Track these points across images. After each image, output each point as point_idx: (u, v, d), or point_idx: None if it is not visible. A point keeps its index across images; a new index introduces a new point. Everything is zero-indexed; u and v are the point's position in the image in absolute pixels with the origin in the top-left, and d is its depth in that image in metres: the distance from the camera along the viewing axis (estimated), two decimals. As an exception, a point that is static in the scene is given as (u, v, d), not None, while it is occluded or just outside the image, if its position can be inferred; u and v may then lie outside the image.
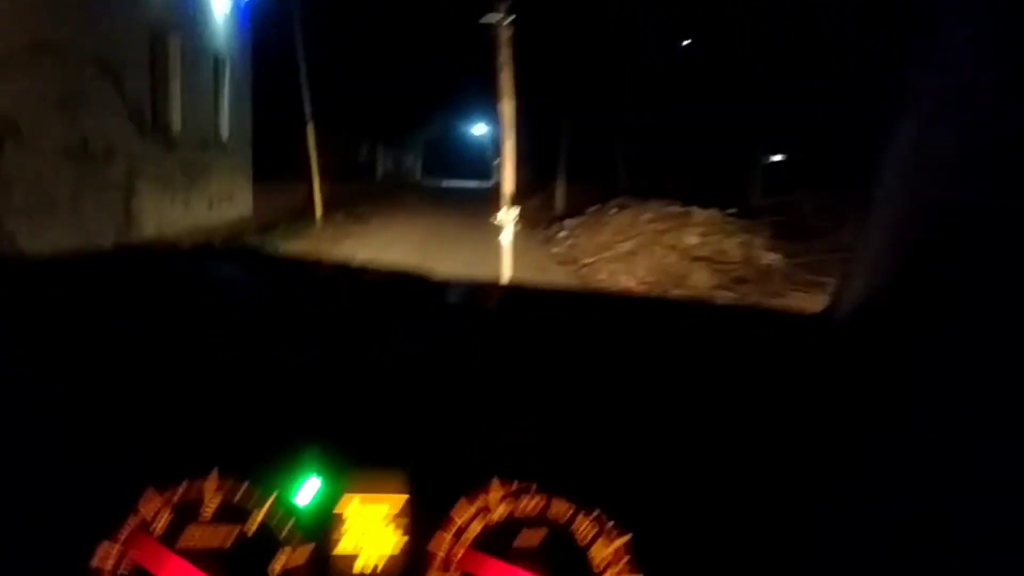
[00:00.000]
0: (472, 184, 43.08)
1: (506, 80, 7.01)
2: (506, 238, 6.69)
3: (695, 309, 1.39)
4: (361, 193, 19.11)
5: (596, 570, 0.88)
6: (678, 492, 0.89)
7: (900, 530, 0.77)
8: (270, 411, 0.90)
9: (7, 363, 0.90)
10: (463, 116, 45.01)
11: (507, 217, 6.61)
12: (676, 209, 11.15)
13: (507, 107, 7.01)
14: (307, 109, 14.21)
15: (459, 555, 0.89)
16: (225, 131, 13.22)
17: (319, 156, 15.22)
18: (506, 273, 6.58)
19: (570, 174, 17.74)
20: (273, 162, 16.18)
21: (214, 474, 0.87)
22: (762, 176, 15.06)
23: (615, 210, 13.17)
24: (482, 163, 47.95)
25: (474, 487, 0.90)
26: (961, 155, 0.74)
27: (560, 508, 0.89)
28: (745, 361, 0.98)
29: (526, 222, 9.20)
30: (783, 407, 0.91)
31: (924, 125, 0.80)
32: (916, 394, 0.79)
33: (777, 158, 15.30)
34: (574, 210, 14.95)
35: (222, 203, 13.03)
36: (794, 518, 0.85)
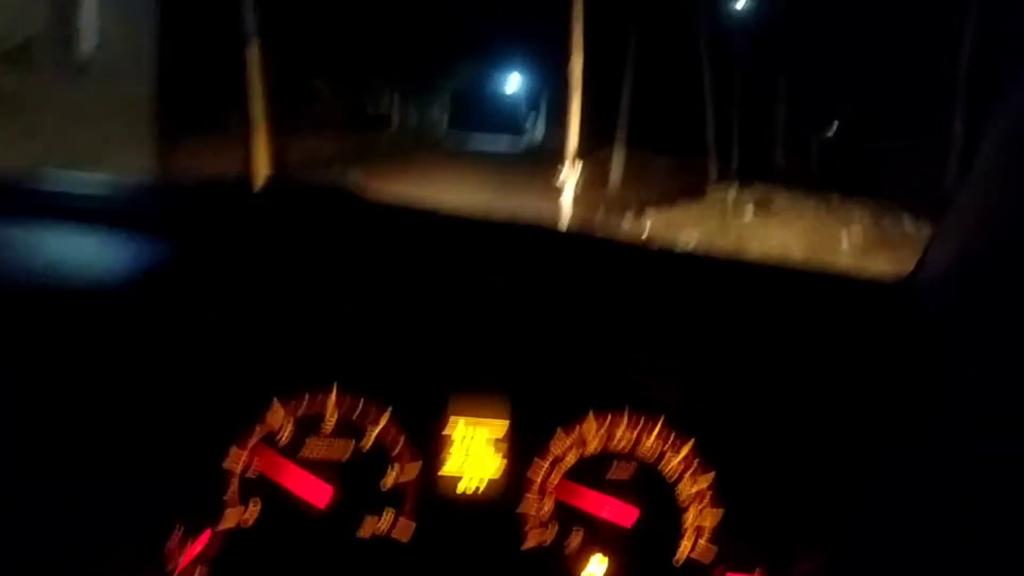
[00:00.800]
0: (503, 144, 36.54)
1: (577, 34, 6.92)
2: (567, 196, 6.72)
3: (780, 272, 1.37)
4: (356, 154, 15.47)
5: (681, 505, 0.95)
6: (760, 437, 0.95)
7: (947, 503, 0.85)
8: (386, 333, 0.96)
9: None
10: (496, 67, 39.79)
11: (569, 176, 6.63)
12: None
13: (576, 62, 6.93)
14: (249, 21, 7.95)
15: (555, 483, 0.95)
16: (91, 39, 7.03)
17: (301, 101, 12.89)
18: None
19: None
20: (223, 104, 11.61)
21: (334, 389, 0.93)
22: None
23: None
24: (516, 119, 42.90)
25: (571, 418, 0.95)
26: None
27: (650, 445, 0.95)
28: (826, 324, 1.02)
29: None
30: (859, 367, 0.96)
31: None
32: (981, 368, 0.84)
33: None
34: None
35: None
36: (858, 468, 0.92)
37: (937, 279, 0.93)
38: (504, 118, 43.29)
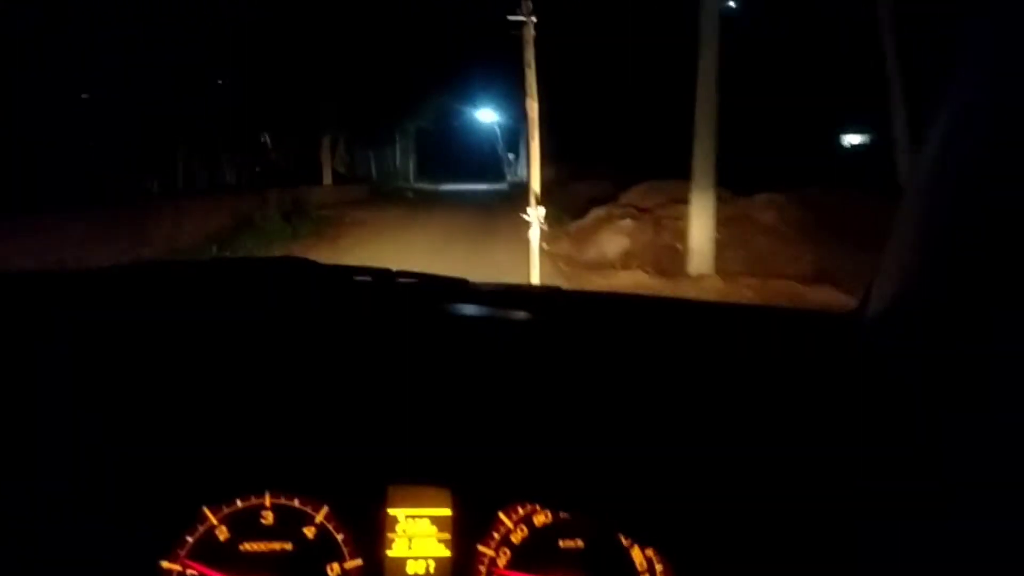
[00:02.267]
0: (481, 187, 33.62)
1: (531, 79, 7.14)
2: (534, 236, 6.85)
3: (722, 310, 1.38)
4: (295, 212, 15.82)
5: (638, 571, 0.94)
6: (713, 504, 0.89)
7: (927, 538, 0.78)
8: (315, 428, 0.94)
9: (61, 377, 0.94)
10: (465, 101, 35.36)
11: (534, 215, 6.79)
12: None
13: (532, 106, 7.13)
14: None
15: (504, 561, 0.96)
16: None
17: (233, 155, 15.71)
18: (535, 274, 6.70)
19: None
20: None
21: (266, 494, 0.94)
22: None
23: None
24: (492, 159, 39.32)
25: (513, 501, 0.96)
26: (998, 152, 0.73)
27: (596, 525, 0.95)
28: (778, 361, 0.99)
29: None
30: (813, 406, 0.92)
31: (960, 120, 0.78)
32: (944, 397, 0.79)
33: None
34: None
35: None
36: (824, 521, 0.85)
37: (887, 307, 0.90)
38: (477, 159, 40.80)
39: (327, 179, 23.19)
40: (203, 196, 15.53)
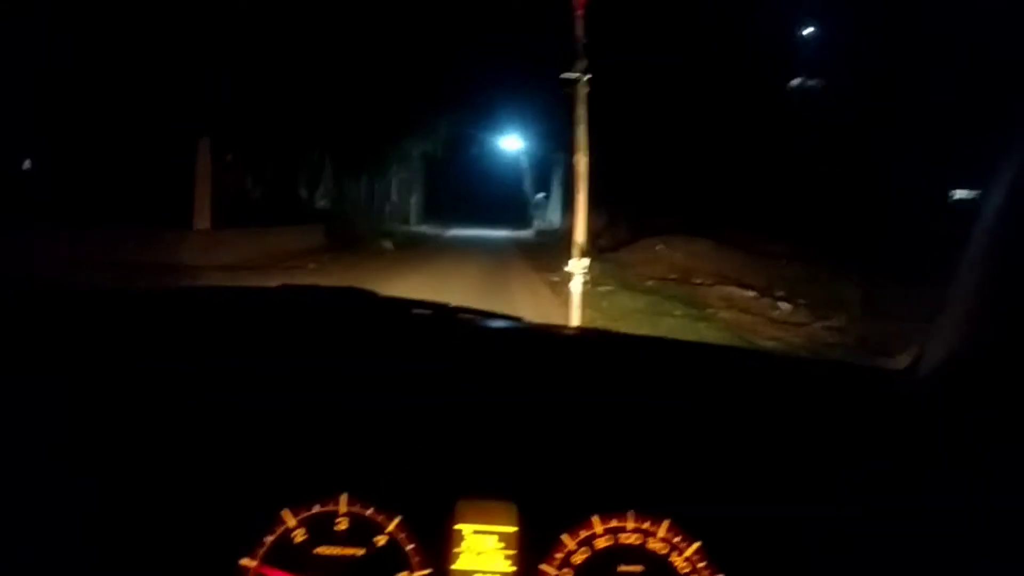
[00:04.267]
0: (501, 234, 28.65)
1: (581, 135, 7.55)
2: (576, 288, 7.20)
3: (779, 361, 1.49)
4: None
5: None
6: (770, 532, 1.04)
7: None
8: (393, 442, 1.10)
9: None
10: (484, 124, 29.70)
11: (576, 267, 7.14)
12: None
13: (582, 160, 7.54)
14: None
15: None
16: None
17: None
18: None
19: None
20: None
21: (344, 498, 1.07)
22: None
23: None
24: (516, 198, 33.96)
25: (577, 521, 1.07)
26: None
27: (658, 545, 1.07)
28: (833, 415, 1.13)
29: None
30: (867, 457, 1.07)
31: (1017, 187, 0.89)
32: (994, 455, 0.93)
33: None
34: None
35: None
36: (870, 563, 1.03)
37: (943, 365, 1.02)
38: (497, 196, 35.30)
39: (201, 223, 15.66)
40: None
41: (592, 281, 9.88)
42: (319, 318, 1.28)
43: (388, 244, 20.95)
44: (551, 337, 1.41)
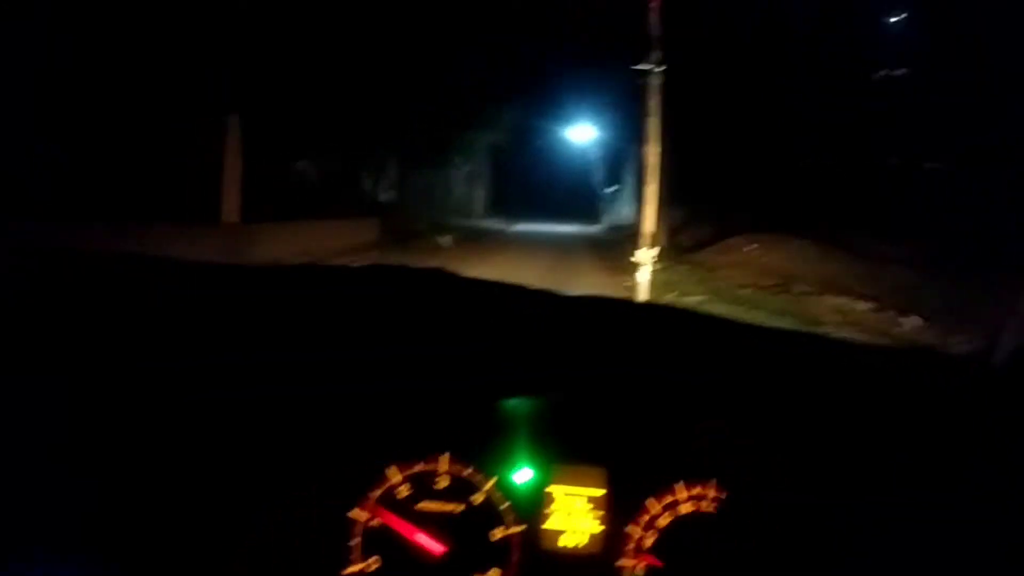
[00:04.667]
0: (569, 230, 27.62)
1: (653, 127, 7.60)
2: (643, 278, 7.32)
3: (851, 347, 1.56)
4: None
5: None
6: (840, 504, 1.10)
7: None
8: (490, 410, 1.18)
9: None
10: (551, 112, 28.31)
11: (645, 256, 7.25)
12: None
13: (653, 151, 7.61)
14: None
15: (649, 543, 1.15)
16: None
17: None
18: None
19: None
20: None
21: (447, 457, 1.17)
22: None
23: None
24: (584, 191, 32.19)
25: (663, 486, 1.15)
26: None
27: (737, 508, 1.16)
28: (904, 400, 1.17)
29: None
30: (939, 442, 1.11)
31: None
32: None
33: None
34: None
35: None
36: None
37: (1016, 354, 1.06)
38: (568, 189, 33.36)
39: (230, 215, 13.93)
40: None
41: (678, 288, 9.78)
42: (403, 296, 1.33)
43: (447, 240, 20.23)
44: (636, 311, 1.48)
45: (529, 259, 17.67)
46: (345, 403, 1.16)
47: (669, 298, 7.42)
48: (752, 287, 12.05)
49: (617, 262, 13.94)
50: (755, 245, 15.07)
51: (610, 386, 1.18)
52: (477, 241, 21.46)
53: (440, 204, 27.04)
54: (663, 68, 7.93)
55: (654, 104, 8.02)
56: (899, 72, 16.19)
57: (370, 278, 1.38)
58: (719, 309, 9.90)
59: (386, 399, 1.16)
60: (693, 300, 10.24)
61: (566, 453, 1.16)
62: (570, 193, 34.37)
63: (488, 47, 19.65)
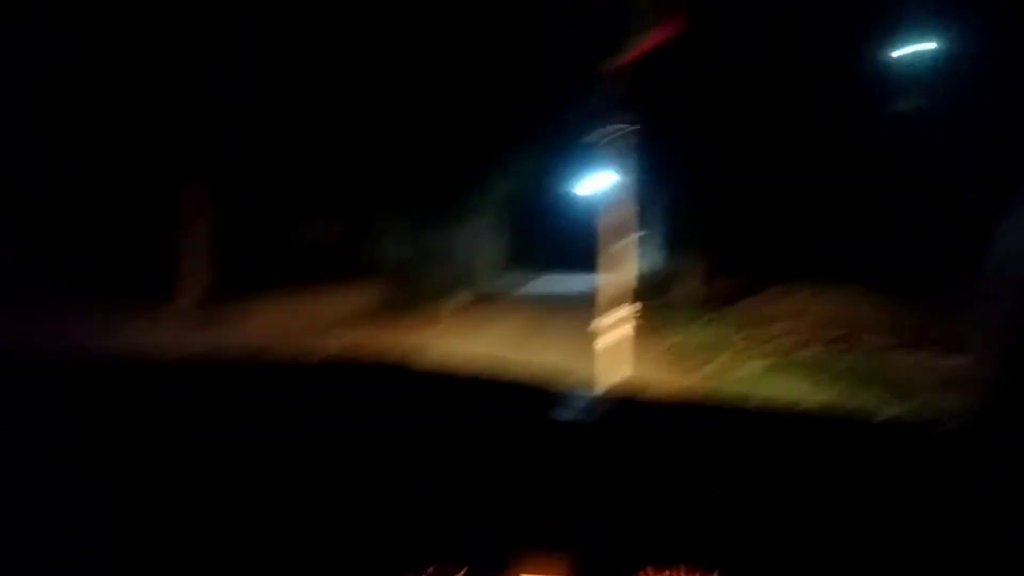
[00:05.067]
0: (593, 281, 20.98)
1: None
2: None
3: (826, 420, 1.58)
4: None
5: None
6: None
7: None
8: (454, 502, 1.18)
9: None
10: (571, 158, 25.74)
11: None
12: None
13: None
14: None
15: None
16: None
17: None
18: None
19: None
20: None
21: (431, 569, 1.13)
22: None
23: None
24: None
25: (630, 574, 1.11)
26: None
27: None
28: (887, 469, 1.17)
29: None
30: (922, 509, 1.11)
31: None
32: None
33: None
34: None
35: None
36: None
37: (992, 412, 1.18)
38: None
39: (190, 293, 12.12)
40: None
41: (725, 352, 8.53)
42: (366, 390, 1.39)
43: (454, 304, 18.44)
44: (601, 397, 1.50)
45: (542, 322, 15.16)
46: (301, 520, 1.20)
47: (714, 369, 6.10)
48: (814, 344, 10.11)
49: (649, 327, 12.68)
50: (807, 292, 13.06)
51: (575, 473, 1.21)
52: (486, 304, 19.42)
53: (456, 259, 25.08)
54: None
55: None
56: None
57: (321, 375, 1.42)
58: (787, 381, 8.21)
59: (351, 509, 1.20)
60: (751, 369, 8.58)
61: (530, 540, 1.17)
62: (591, 241, 32.64)
63: (501, 93, 18.22)
